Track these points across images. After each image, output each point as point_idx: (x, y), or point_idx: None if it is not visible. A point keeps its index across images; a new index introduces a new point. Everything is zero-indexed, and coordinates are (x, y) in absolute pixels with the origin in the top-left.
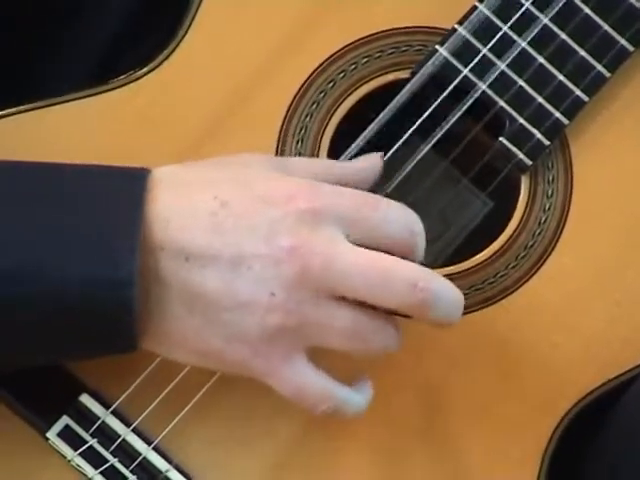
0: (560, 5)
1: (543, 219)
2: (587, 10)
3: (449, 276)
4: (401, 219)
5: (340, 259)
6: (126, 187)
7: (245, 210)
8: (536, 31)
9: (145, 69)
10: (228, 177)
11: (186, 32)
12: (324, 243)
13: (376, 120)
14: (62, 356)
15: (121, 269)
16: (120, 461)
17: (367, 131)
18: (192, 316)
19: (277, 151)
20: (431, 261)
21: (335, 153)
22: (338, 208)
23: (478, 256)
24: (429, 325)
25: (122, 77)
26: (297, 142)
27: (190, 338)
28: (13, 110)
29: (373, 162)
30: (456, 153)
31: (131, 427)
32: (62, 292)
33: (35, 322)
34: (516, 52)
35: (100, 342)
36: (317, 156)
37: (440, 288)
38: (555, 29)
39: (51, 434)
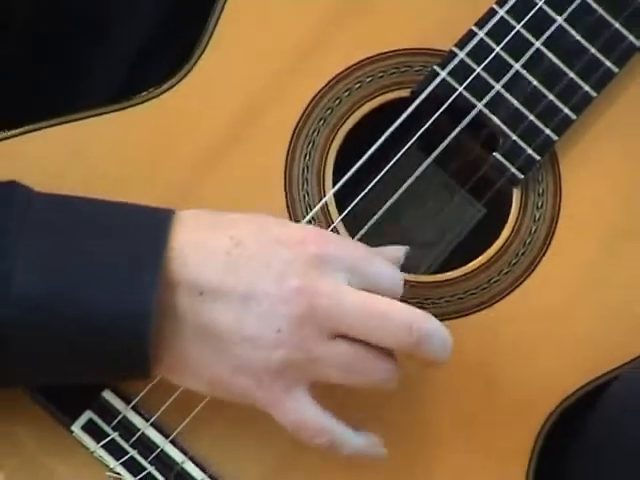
0: (552, 30)
1: (533, 229)
2: (577, 36)
3: (447, 281)
4: (391, 276)
5: (343, 301)
6: (152, 225)
7: (258, 250)
8: (529, 54)
9: (165, 86)
10: (245, 219)
11: (203, 51)
12: (329, 286)
13: (381, 136)
14: (79, 379)
15: (140, 302)
16: (139, 453)
17: (372, 147)
18: (204, 347)
19: (286, 164)
20: (427, 267)
21: (341, 167)
22: (343, 256)
23: (473, 263)
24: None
25: (144, 93)
26: (305, 156)
27: (201, 368)
28: (44, 124)
29: (394, 253)
30: (454, 166)
31: (150, 422)
32: (88, 319)
33: (58, 346)
34: (510, 74)
35: (116, 369)
36: (324, 170)
37: (432, 328)
38: (547, 52)
39: (75, 427)
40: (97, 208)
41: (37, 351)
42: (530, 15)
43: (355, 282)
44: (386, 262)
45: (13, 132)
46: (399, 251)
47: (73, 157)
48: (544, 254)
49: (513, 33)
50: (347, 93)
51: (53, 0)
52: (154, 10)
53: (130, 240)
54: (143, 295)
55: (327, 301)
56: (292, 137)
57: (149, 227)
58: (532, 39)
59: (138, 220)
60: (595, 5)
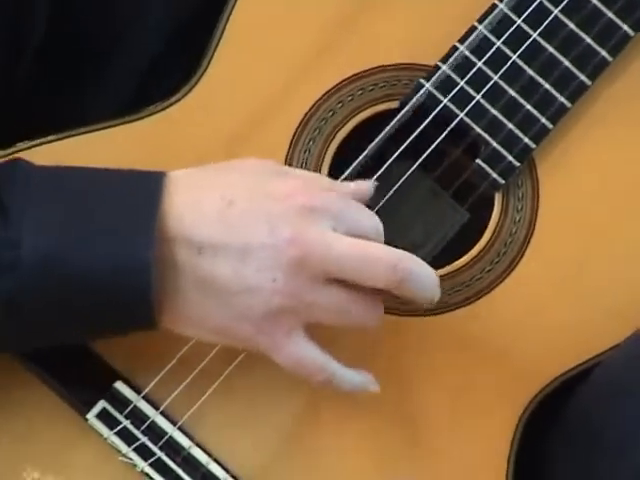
0: (527, 44)
1: (514, 230)
2: (550, 49)
3: None
4: (370, 223)
5: (332, 247)
6: (144, 187)
7: (250, 207)
8: (507, 66)
9: (172, 99)
10: (235, 178)
11: (206, 67)
12: (319, 234)
13: (371, 144)
14: (92, 333)
15: (139, 258)
16: (150, 439)
17: (363, 154)
18: (205, 299)
19: None
20: None
21: (334, 173)
22: (329, 206)
23: (458, 262)
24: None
25: (151, 107)
26: (302, 163)
27: (204, 318)
28: (53, 137)
29: (364, 188)
30: (439, 172)
31: (159, 410)
32: (92, 275)
33: (67, 305)
34: (490, 85)
35: (124, 320)
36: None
37: (415, 267)
38: (523, 65)
39: (90, 416)
40: (93, 175)
41: (47, 311)
42: (509, 32)
43: (341, 229)
44: (363, 208)
45: (24, 144)
46: (364, 184)
47: (73, 161)
48: (524, 253)
49: (493, 49)
50: (340, 105)
51: (66, 18)
52: (163, 27)
53: (125, 201)
54: (140, 250)
55: (318, 248)
56: (290, 145)
57: (142, 187)
58: (510, 53)
59: (131, 182)
60: (567, 20)
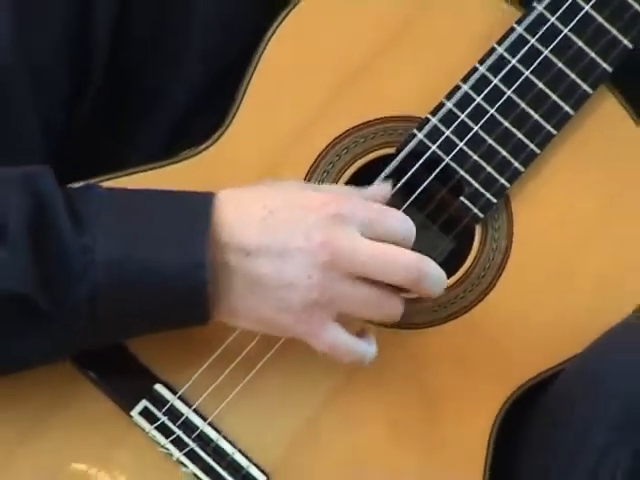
0: (502, 100)
1: (491, 256)
2: (523, 105)
3: (425, 298)
4: (400, 226)
5: (358, 249)
6: (198, 203)
7: (288, 215)
8: (486, 118)
9: (204, 145)
10: (274, 192)
11: (234, 116)
12: (347, 239)
13: (372, 186)
14: (153, 328)
15: (196, 260)
16: (184, 433)
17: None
18: (252, 294)
19: None
20: None
21: None
22: (358, 214)
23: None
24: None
25: (187, 151)
26: None
27: (251, 310)
28: (100, 178)
29: (383, 189)
30: (429, 207)
31: (191, 408)
32: (157, 275)
33: (135, 301)
34: (471, 135)
35: (183, 314)
36: None
37: (429, 269)
38: (500, 118)
39: (134, 413)
40: (154, 193)
41: (118, 310)
42: (487, 90)
43: (367, 233)
44: (395, 215)
45: (85, 183)
46: (383, 186)
47: None
48: (499, 277)
49: (474, 104)
50: (345, 151)
51: (120, 74)
52: (197, 82)
53: (183, 214)
54: (197, 254)
55: (346, 252)
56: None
57: (196, 203)
58: (488, 108)
59: (187, 199)
60: (536, 80)
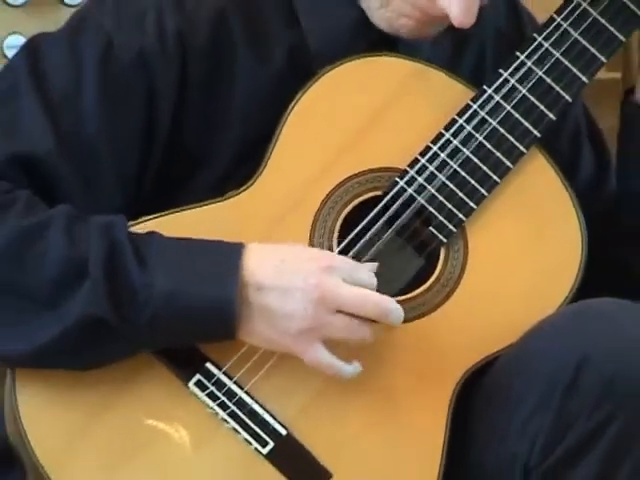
0: (461, 157)
1: (452, 271)
2: (476, 160)
3: (400, 302)
4: (367, 277)
5: (341, 292)
6: (231, 253)
7: (295, 264)
8: (448, 170)
9: (241, 189)
10: (286, 248)
11: (263, 169)
12: (334, 284)
13: (363, 221)
14: (193, 341)
15: (228, 297)
16: (227, 398)
17: (357, 229)
18: (263, 322)
19: (310, 236)
20: (388, 294)
21: (341, 236)
22: (341, 267)
23: (416, 291)
24: (385, 325)
25: (230, 193)
26: (321, 232)
27: (261, 333)
28: (164, 213)
29: (370, 268)
30: (406, 234)
31: (233, 380)
32: (198, 305)
33: (181, 324)
34: (438, 181)
35: (216, 333)
36: (332, 237)
37: (393, 308)
38: (458, 169)
39: (190, 384)
40: (198, 243)
41: (168, 329)
42: (450, 149)
43: (348, 280)
44: (365, 270)
45: (145, 218)
46: (373, 265)
47: (183, 230)
48: (457, 286)
49: (439, 159)
50: (345, 193)
51: (177, 146)
52: (237, 144)
53: (219, 261)
54: (229, 292)
55: (331, 293)
56: (313, 220)
57: (230, 253)
58: (451, 162)
59: (224, 249)
60: (486, 143)
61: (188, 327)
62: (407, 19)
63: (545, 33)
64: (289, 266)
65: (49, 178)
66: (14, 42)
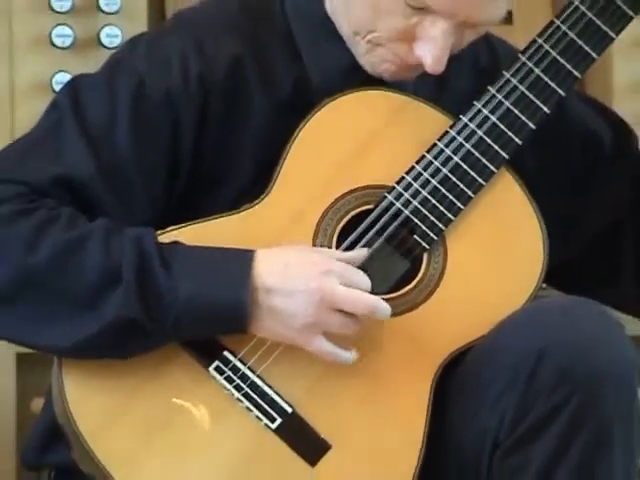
0: (440, 176)
1: (433, 273)
2: (454, 179)
3: (389, 299)
4: (363, 280)
5: (338, 294)
6: (244, 259)
7: (297, 269)
8: (430, 187)
9: (254, 203)
10: (292, 253)
11: (273, 186)
12: (331, 286)
13: (357, 229)
14: (210, 335)
15: (241, 299)
16: (241, 381)
17: (352, 236)
18: (271, 319)
19: (313, 243)
20: (379, 292)
21: (339, 243)
22: (338, 271)
23: (402, 290)
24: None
25: (244, 207)
26: (322, 237)
27: (270, 329)
28: (190, 223)
29: (360, 253)
30: (395, 241)
31: (246, 366)
32: (215, 306)
33: (201, 321)
34: (422, 196)
35: (230, 329)
36: (331, 244)
37: (380, 307)
38: (439, 186)
39: (210, 369)
40: (217, 251)
41: (189, 327)
42: (432, 170)
43: (344, 283)
44: (360, 273)
45: (170, 229)
46: (360, 251)
47: (204, 238)
48: (437, 286)
49: (423, 178)
50: (342, 206)
51: (198, 171)
52: (252, 169)
53: (233, 267)
54: (242, 295)
55: (329, 294)
56: (315, 228)
57: (243, 259)
58: (433, 181)
59: (238, 256)
60: (462, 164)
61: (207, 324)
62: (389, 64)
63: (512, 71)
64: (293, 270)
65: (89, 197)
66: (61, 79)
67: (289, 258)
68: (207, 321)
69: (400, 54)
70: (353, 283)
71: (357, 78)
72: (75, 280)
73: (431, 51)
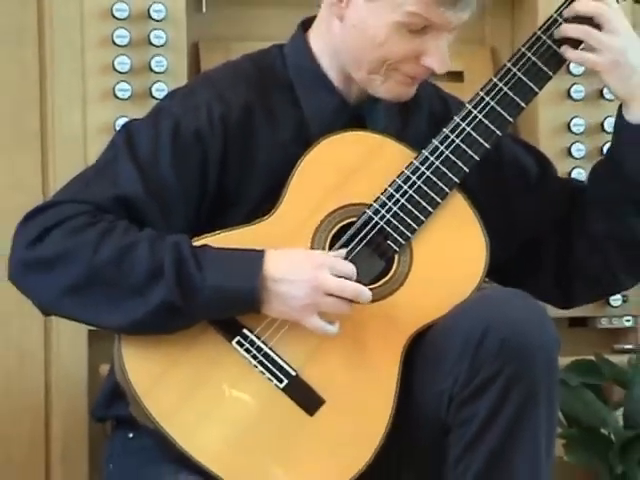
0: (407, 195)
1: (402, 270)
2: (417, 197)
3: (369, 289)
4: (351, 271)
5: (330, 282)
6: (256, 257)
7: (298, 264)
8: (400, 203)
9: (264, 217)
10: (294, 252)
11: (280, 203)
12: (324, 276)
13: (344, 237)
14: (230, 315)
15: (254, 287)
16: (257, 351)
17: (340, 242)
18: (277, 301)
19: (311, 246)
20: (362, 284)
21: (331, 247)
22: (329, 263)
23: (379, 283)
24: (359, 302)
25: (257, 219)
26: (318, 241)
27: (276, 309)
28: (215, 233)
29: (339, 253)
30: (373, 246)
31: (261, 339)
32: (235, 293)
33: (221, 305)
34: (393, 211)
35: (245, 310)
36: (324, 247)
37: (363, 292)
38: (407, 204)
39: (233, 343)
40: (235, 251)
41: (213, 310)
42: (403, 190)
43: (335, 273)
44: (349, 266)
45: (198, 237)
46: (341, 252)
47: (225, 242)
48: (406, 280)
49: (397, 196)
50: (333, 219)
51: (219, 192)
52: (262, 184)
53: (248, 263)
54: (255, 284)
55: (323, 282)
56: (312, 236)
57: (256, 257)
58: (401, 199)
59: (252, 254)
60: (424, 186)
61: (228, 306)
62: (402, 87)
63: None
64: (294, 265)
65: (139, 213)
66: (122, 123)
67: (292, 256)
68: (228, 303)
69: (410, 72)
70: (342, 273)
71: (344, 115)
72: (129, 275)
73: (439, 58)
